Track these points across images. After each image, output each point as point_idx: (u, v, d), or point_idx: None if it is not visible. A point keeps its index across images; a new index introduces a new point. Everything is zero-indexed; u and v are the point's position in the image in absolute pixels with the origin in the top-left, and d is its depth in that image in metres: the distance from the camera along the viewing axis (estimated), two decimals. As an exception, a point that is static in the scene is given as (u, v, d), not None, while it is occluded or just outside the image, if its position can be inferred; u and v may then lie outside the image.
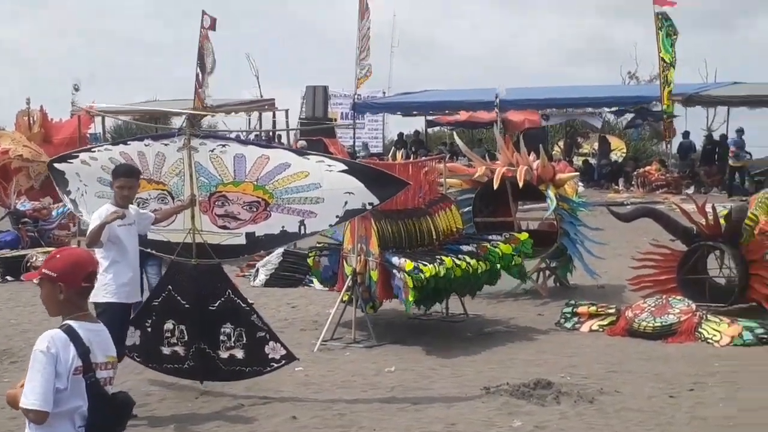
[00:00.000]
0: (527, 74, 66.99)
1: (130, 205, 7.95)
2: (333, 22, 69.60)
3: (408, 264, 9.82)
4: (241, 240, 8.27)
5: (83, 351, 3.94)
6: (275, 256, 14.37)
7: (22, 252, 15.70)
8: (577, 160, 33.11)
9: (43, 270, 4.06)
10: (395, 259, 10.06)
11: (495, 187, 12.96)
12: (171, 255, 8.39)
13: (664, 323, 10.37)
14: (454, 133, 29.98)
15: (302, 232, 8.17)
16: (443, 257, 10.23)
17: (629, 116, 34.90)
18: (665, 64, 29.19)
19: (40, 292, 4.12)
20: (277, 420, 7.64)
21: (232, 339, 8.11)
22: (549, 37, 69.41)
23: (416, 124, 38.98)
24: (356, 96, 35.15)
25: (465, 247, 10.89)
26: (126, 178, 7.83)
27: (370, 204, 7.94)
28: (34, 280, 4.13)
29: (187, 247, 8.22)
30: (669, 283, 11.68)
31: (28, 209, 17.18)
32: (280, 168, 7.99)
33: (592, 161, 33.62)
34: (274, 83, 66.43)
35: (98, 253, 7.76)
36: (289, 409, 7.91)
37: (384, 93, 39.03)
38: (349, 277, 10.46)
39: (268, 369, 8.21)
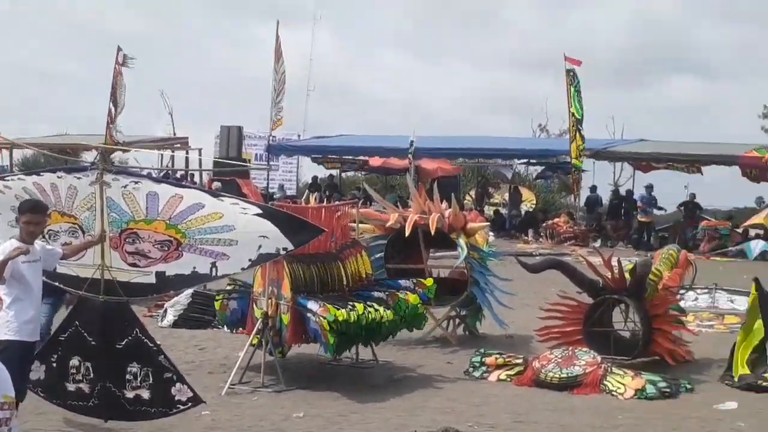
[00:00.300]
0: (441, 122, 68.01)
1: (36, 241, 7.78)
2: (249, 64, 69.60)
3: (332, 309, 9.79)
4: (151, 279, 8.17)
5: None
6: (184, 297, 14.17)
7: None
8: (488, 210, 33.59)
9: None
10: (311, 304, 10.03)
11: (407, 234, 13.04)
12: (79, 290, 8.24)
13: (570, 374, 10.51)
14: (363, 182, 30.19)
15: (213, 273, 8.10)
16: (355, 303, 10.22)
17: (539, 168, 35.63)
18: (575, 119, 29.88)
19: None
20: (182, 465, 7.51)
21: (139, 378, 7.98)
22: (463, 87, 70.68)
23: (330, 168, 39.06)
24: (271, 138, 35.12)
25: (376, 293, 10.90)
26: (32, 213, 7.66)
27: (284, 249, 7.93)
28: None
29: (95, 283, 8.08)
30: (575, 335, 11.85)
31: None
32: (193, 208, 7.93)
33: (503, 211, 34.13)
34: (188, 122, 66.15)
35: (1, 290, 7.59)
36: (194, 453, 7.78)
37: (299, 135, 39.11)
38: (260, 320, 10.38)
39: (174, 411, 8.09)
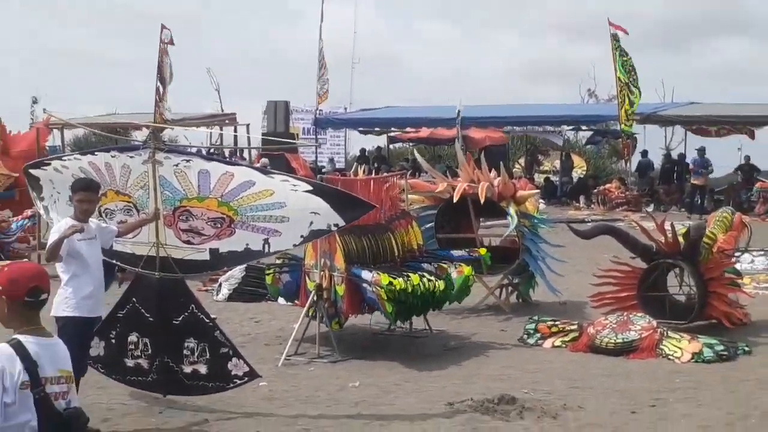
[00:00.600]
0: (487, 92, 67.55)
1: (92, 219, 7.88)
2: (295, 38, 69.67)
3: (384, 278, 9.83)
4: (205, 256, 8.24)
5: (30, 366, 3.91)
6: (238, 271, 14.24)
7: (-20, 265, 15.48)
8: (539, 178, 33.40)
9: None
10: (365, 274, 10.07)
11: (455, 200, 13.01)
12: (136, 267, 8.35)
13: (625, 340, 10.46)
14: (415, 150, 30.12)
15: (266, 250, 8.14)
16: (410, 274, 10.25)
17: (588, 134, 35.31)
18: (622, 84, 29.53)
19: None
20: (241, 435, 7.61)
21: (196, 354, 8.08)
22: (509, 56, 70.08)
23: (378, 140, 39.13)
24: (318, 111, 35.19)
25: (426, 266, 10.92)
26: (85, 192, 7.75)
27: (335, 225, 7.93)
28: None
29: (151, 261, 8.18)
30: (629, 300, 11.78)
31: (-14, 221, 16.98)
32: (244, 185, 7.97)
33: (553, 179, 33.92)
34: (236, 98, 66.30)
35: (59, 268, 7.72)
36: (252, 424, 7.87)
37: (345, 109, 39.14)
38: (313, 292, 10.44)
39: (231, 385, 8.19)
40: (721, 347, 10.23)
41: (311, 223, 7.84)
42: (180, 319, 8.11)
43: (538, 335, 11.14)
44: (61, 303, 7.58)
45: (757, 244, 15.37)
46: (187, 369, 8.13)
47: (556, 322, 11.26)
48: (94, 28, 73.15)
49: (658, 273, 11.94)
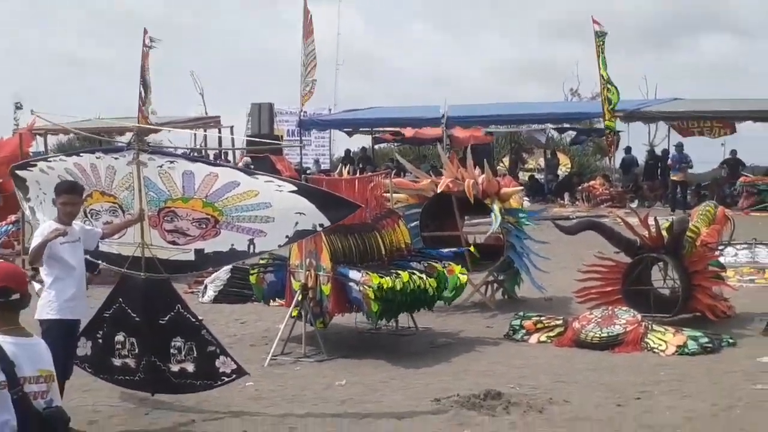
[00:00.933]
0: (472, 93, 67.65)
1: (75, 222, 7.86)
2: (278, 41, 69.62)
3: (375, 277, 9.85)
4: (190, 256, 8.25)
5: (6, 366, 3.91)
6: (223, 272, 14.31)
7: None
8: (523, 176, 33.46)
9: None
10: (353, 273, 10.09)
11: (439, 190, 13.04)
12: (122, 268, 8.35)
13: (610, 334, 10.51)
14: (396, 152, 30.14)
15: (251, 250, 8.16)
16: (399, 272, 10.27)
17: (573, 133, 35.39)
18: (605, 82, 29.61)
19: None
20: (228, 435, 7.62)
21: (183, 352, 8.09)
22: (492, 56, 70.19)
23: (363, 140, 39.12)
24: (302, 113, 35.16)
25: (415, 265, 10.94)
26: (68, 194, 7.73)
27: (320, 225, 7.95)
28: None
29: (137, 261, 8.18)
30: (614, 295, 11.84)
31: (-29, 228, 16.91)
32: (229, 186, 7.98)
33: (538, 176, 33.98)
34: (219, 101, 66.21)
35: (42, 271, 7.71)
36: (239, 424, 7.88)
37: (330, 110, 39.12)
38: (298, 292, 10.45)
39: (219, 383, 8.19)
40: (706, 340, 10.28)
41: (296, 223, 7.86)
42: (166, 318, 8.12)
43: (524, 331, 11.17)
44: (45, 306, 7.57)
45: (740, 238, 15.45)
46: (175, 368, 8.13)
47: (542, 318, 11.30)
48: (78, 32, 72.89)
49: (642, 267, 12.00)
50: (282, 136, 35.43)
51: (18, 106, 37.76)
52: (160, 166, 8.09)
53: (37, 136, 29.50)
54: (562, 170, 34.48)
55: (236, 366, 8.13)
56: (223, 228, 8.06)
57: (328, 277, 10.27)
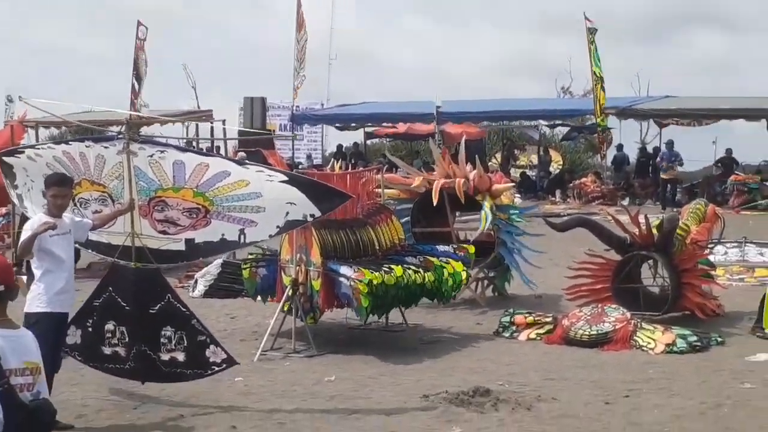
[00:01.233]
0: (465, 88, 67.52)
1: (65, 214, 7.83)
2: (270, 35, 69.48)
3: (367, 273, 9.86)
4: (181, 246, 8.26)
5: None
6: (214, 267, 14.30)
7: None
8: (515, 172, 33.48)
9: None
10: (343, 269, 10.08)
11: (435, 202, 13.06)
12: (112, 257, 8.34)
13: (599, 331, 10.52)
14: (386, 150, 30.13)
15: (242, 240, 8.16)
16: (392, 266, 10.26)
17: (564, 130, 35.43)
18: (597, 78, 29.66)
19: None
20: (216, 429, 7.60)
21: (173, 342, 8.07)
22: (485, 51, 70.00)
23: (355, 136, 39.11)
24: (294, 107, 35.12)
25: (410, 259, 10.95)
26: (58, 186, 7.71)
27: (311, 216, 7.95)
28: None
29: (127, 250, 8.17)
30: (604, 292, 11.86)
31: (-37, 221, 16.88)
32: (220, 176, 7.98)
33: (530, 173, 34.01)
34: (212, 94, 66.00)
35: (32, 264, 7.71)
36: (228, 419, 7.87)
37: (322, 105, 39.08)
38: (289, 287, 10.45)
39: (209, 372, 8.18)
40: (695, 338, 10.31)
41: (287, 213, 7.86)
42: (157, 308, 8.11)
43: (514, 328, 11.19)
44: (34, 299, 7.56)
45: (730, 236, 15.49)
46: (165, 357, 8.12)
47: (532, 314, 11.31)
48: (70, 24, 72.64)
49: (632, 265, 12.02)
50: (274, 131, 35.38)
51: (9, 99, 37.56)
52: (151, 156, 8.09)
53: (29, 129, 29.46)
54: (554, 167, 34.52)
55: (226, 356, 8.12)
56: (213, 218, 8.06)
57: (318, 272, 10.27)
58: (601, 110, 29.34)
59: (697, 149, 31.62)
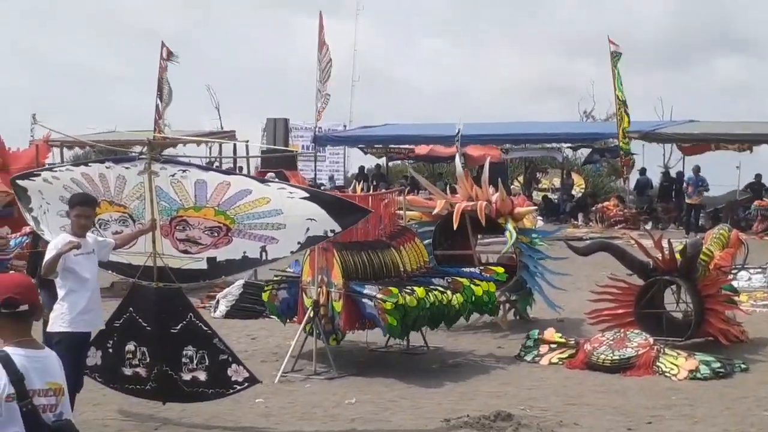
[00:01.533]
0: (486, 111, 67.47)
1: (89, 234, 7.88)
2: (294, 57, 69.82)
3: (394, 290, 9.86)
4: (202, 264, 8.26)
5: (16, 378, 3.88)
6: (236, 288, 14.33)
7: (-22, 282, 15.49)
8: (537, 196, 33.41)
9: None
10: (367, 289, 10.07)
11: (455, 226, 13.03)
12: (132, 277, 8.36)
13: (622, 356, 10.46)
14: (410, 168, 30.12)
15: (264, 257, 8.16)
16: (414, 288, 10.25)
17: (587, 152, 35.35)
18: (620, 102, 29.61)
19: None
20: (237, 451, 7.61)
21: (195, 361, 8.08)
22: (507, 76, 69.96)
23: (377, 157, 39.14)
24: (317, 129, 35.24)
25: (436, 281, 10.93)
26: (81, 206, 7.75)
27: (332, 231, 7.95)
28: None
29: (148, 271, 8.19)
30: (627, 317, 11.78)
31: (-16, 239, 16.95)
32: (241, 194, 8.01)
33: (552, 197, 33.92)
34: (235, 116, 66.38)
35: (57, 283, 7.72)
36: (248, 440, 7.87)
37: (345, 126, 39.18)
38: (310, 308, 10.44)
39: (231, 391, 8.18)
40: (718, 364, 10.22)
41: (308, 229, 7.85)
42: (178, 327, 8.12)
43: (536, 352, 11.14)
44: (57, 318, 7.58)
45: (754, 262, 15.38)
46: (187, 376, 8.12)
47: (559, 333, 11.28)
48: (95, 45, 73.22)
49: (655, 290, 11.95)
50: (297, 152, 35.51)
51: (34, 118, 37.90)
52: (173, 175, 8.13)
53: (54, 148, 29.69)
54: (577, 191, 34.42)
55: (249, 374, 8.11)
56: (234, 236, 8.07)
57: (339, 293, 10.26)
58: (624, 134, 29.27)
59: (720, 174, 31.40)
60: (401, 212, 12.43)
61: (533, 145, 35.05)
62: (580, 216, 30.17)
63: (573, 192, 34.00)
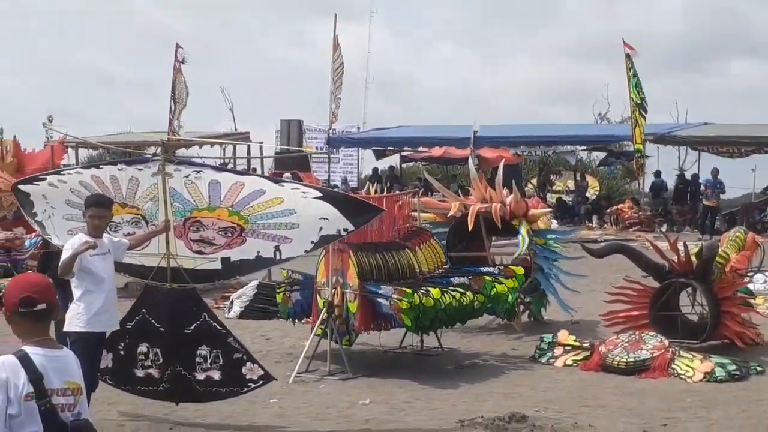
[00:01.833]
0: (500, 114, 67.53)
1: (105, 234, 7.90)
2: (308, 59, 69.90)
3: (408, 290, 9.86)
4: (217, 265, 8.28)
5: (35, 377, 3.90)
6: (250, 288, 14.33)
7: (-6, 282, 15.56)
8: (551, 198, 33.35)
9: None
10: (382, 290, 10.07)
11: (470, 228, 13.01)
12: (145, 279, 8.38)
13: (637, 359, 10.42)
14: (425, 170, 30.09)
15: (277, 257, 8.17)
16: (429, 288, 10.24)
17: (601, 155, 35.25)
18: (635, 104, 29.52)
19: None
20: (251, 451, 7.61)
21: (209, 360, 8.09)
22: (521, 78, 69.87)
23: (391, 159, 39.14)
24: (331, 130, 35.26)
25: (456, 279, 10.92)
26: (96, 207, 7.76)
27: (344, 230, 7.97)
28: None
29: (161, 272, 8.21)
30: (642, 319, 11.75)
31: (0, 239, 17.04)
32: (255, 194, 8.03)
33: (566, 198, 33.85)
34: (249, 118, 66.50)
35: (72, 283, 7.74)
36: (263, 440, 7.88)
37: (359, 128, 39.19)
38: (323, 309, 10.44)
39: (245, 389, 8.20)
40: (734, 367, 10.18)
41: (321, 228, 7.87)
42: (192, 327, 8.14)
43: (550, 354, 11.11)
44: (73, 318, 7.61)
45: (770, 265, 15.28)
46: (200, 376, 8.14)
47: (573, 335, 11.25)
48: (110, 47, 73.48)
49: (670, 292, 11.90)
50: (310, 154, 35.53)
51: (50, 120, 38.08)
52: (187, 176, 8.15)
53: (69, 149, 29.83)
54: (591, 193, 34.35)
55: (263, 372, 8.13)
56: (248, 236, 8.09)
57: (355, 294, 10.26)
58: (639, 136, 29.17)
59: (736, 176, 31.26)
60: (415, 214, 12.43)
61: (548, 148, 34.99)
62: (595, 218, 30.09)
63: (587, 194, 33.92)
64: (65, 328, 7.53)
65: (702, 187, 28.55)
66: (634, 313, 11.91)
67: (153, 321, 8.21)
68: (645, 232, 25.84)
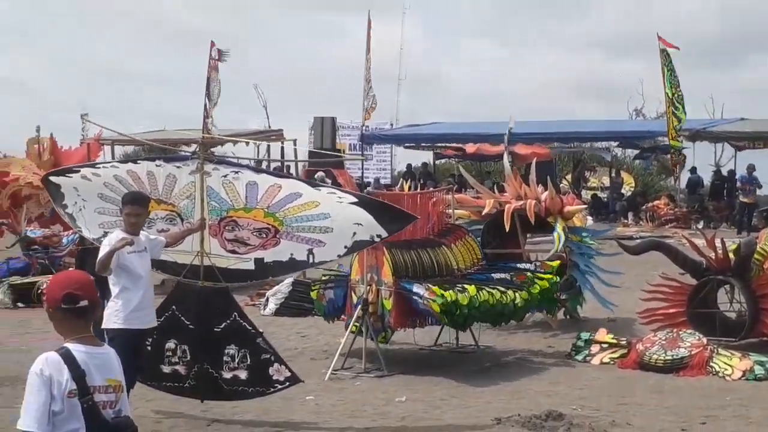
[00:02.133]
0: (534, 110, 67.12)
1: (142, 231, 7.94)
2: (341, 56, 69.95)
3: (438, 290, 9.86)
4: (250, 265, 8.32)
5: (78, 374, 3.92)
6: (285, 286, 14.38)
7: (33, 279, 15.74)
8: (586, 194, 33.16)
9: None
10: (416, 287, 10.07)
11: (507, 228, 12.93)
12: (178, 276, 8.42)
13: (675, 356, 10.34)
14: (460, 166, 30.01)
15: (311, 260, 8.22)
16: (465, 285, 10.21)
17: (636, 151, 35.01)
18: (670, 100, 29.27)
19: None
20: (288, 448, 7.63)
21: (236, 360, 8.13)
22: (555, 74, 69.46)
23: (424, 155, 39.13)
24: (364, 127, 35.27)
25: (496, 275, 10.90)
26: (132, 205, 7.80)
27: (378, 236, 8.02)
28: None
29: (194, 269, 8.24)
30: (679, 317, 11.65)
31: (38, 236, 17.24)
32: (291, 197, 8.06)
33: (601, 195, 33.65)
34: (282, 115, 66.67)
35: (110, 280, 7.78)
36: (299, 438, 7.89)
37: (392, 125, 39.18)
38: (359, 307, 10.44)
39: (272, 390, 8.22)
40: (773, 365, 10.07)
41: (354, 234, 7.92)
42: (222, 326, 8.18)
43: (587, 351, 11.05)
44: (111, 315, 7.65)
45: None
46: (227, 375, 8.18)
47: (611, 334, 11.19)
48: (144, 46, 73.96)
49: (708, 289, 11.79)
50: (344, 150, 35.57)
51: (84, 118, 38.39)
52: (225, 176, 8.20)
53: (105, 147, 30.03)
54: (626, 189, 34.13)
55: (290, 374, 8.14)
56: (283, 238, 8.13)
57: (390, 291, 10.25)
58: (676, 132, 28.91)
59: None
60: (449, 211, 12.39)
61: (582, 144, 34.82)
62: (630, 215, 29.89)
63: (623, 191, 33.71)
64: (103, 325, 7.59)
65: (738, 183, 28.26)
66: (672, 310, 11.82)
67: (183, 318, 8.26)
68: (681, 228, 25.61)
